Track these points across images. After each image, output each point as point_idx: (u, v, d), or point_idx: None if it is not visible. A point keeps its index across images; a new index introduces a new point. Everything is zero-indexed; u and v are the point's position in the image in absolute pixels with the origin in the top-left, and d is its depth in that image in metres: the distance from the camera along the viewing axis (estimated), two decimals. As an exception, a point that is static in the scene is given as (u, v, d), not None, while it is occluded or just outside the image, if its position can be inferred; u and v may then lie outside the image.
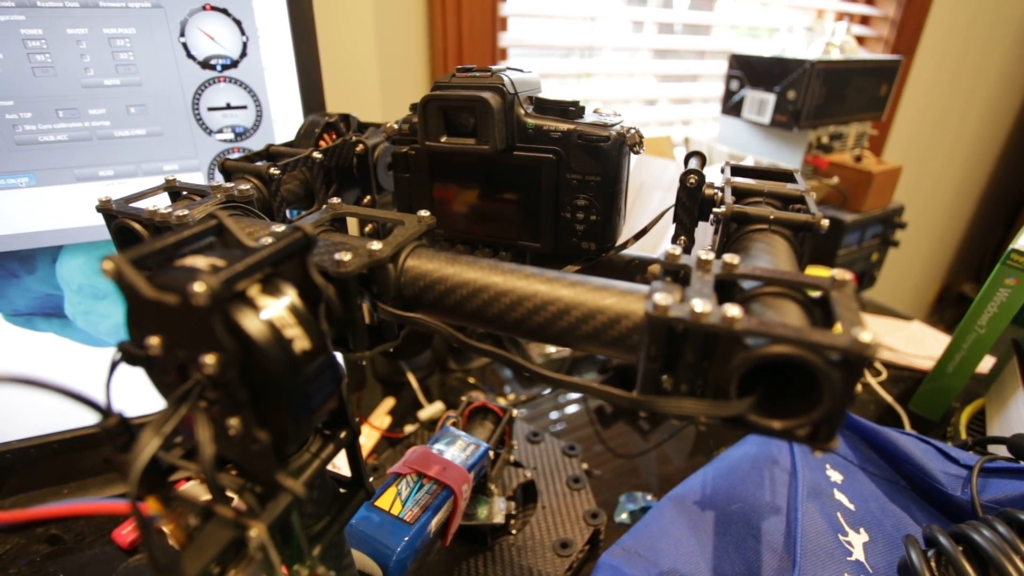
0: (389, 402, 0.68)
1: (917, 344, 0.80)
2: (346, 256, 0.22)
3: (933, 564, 0.34)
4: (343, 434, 0.24)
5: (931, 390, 0.67)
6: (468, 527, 0.46)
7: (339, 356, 0.25)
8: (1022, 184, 1.89)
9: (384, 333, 0.25)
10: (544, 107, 0.33)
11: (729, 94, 0.92)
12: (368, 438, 0.63)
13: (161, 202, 0.31)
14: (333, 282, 0.23)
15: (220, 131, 0.48)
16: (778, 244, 0.26)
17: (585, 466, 0.58)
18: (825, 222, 0.27)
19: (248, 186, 0.36)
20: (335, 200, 0.29)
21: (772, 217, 0.27)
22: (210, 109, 0.47)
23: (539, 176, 0.33)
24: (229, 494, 0.21)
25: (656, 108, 1.22)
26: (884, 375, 0.76)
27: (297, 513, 0.22)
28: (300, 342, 0.18)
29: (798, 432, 0.19)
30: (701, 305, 0.18)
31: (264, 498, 0.20)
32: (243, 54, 0.47)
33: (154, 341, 0.18)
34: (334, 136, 0.44)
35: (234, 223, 0.21)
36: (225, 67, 0.47)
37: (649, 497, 0.54)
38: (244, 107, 0.48)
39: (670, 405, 0.19)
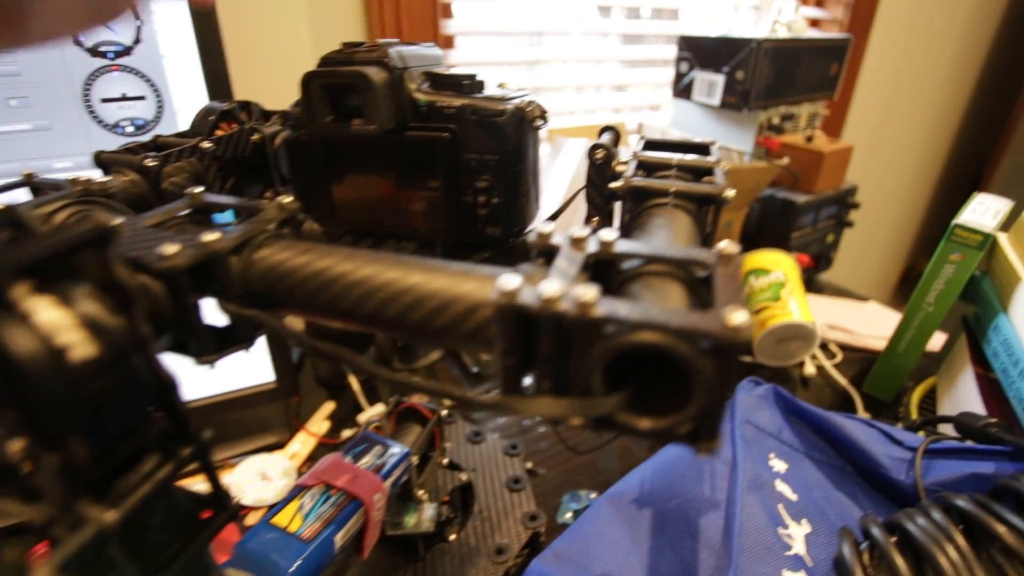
0: (329, 406, 0.65)
1: (873, 325, 0.80)
2: (172, 248, 0.19)
3: (866, 557, 0.32)
4: (186, 451, 0.21)
5: (884, 370, 0.66)
6: (398, 536, 0.44)
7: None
8: (979, 162, 1.92)
9: (235, 334, 0.22)
10: (438, 82, 0.30)
11: (679, 76, 0.90)
12: (304, 445, 0.60)
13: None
14: (161, 279, 0.20)
15: (118, 124, 0.45)
16: (679, 219, 0.24)
17: (529, 465, 0.56)
18: (729, 193, 0.24)
19: (122, 181, 0.33)
20: (195, 189, 0.26)
21: (673, 190, 0.25)
22: (104, 100, 0.44)
23: (435, 157, 0.30)
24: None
25: (609, 94, 1.20)
26: (839, 357, 0.75)
27: (119, 545, 0.19)
28: (81, 349, 0.16)
29: (678, 431, 0.17)
30: (552, 288, 0.15)
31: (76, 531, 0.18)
32: (136, 39, 0.43)
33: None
34: (234, 125, 0.41)
35: (31, 215, 0.18)
36: (118, 54, 0.43)
37: (593, 495, 0.52)
38: (142, 98, 0.45)
39: (526, 406, 0.16)
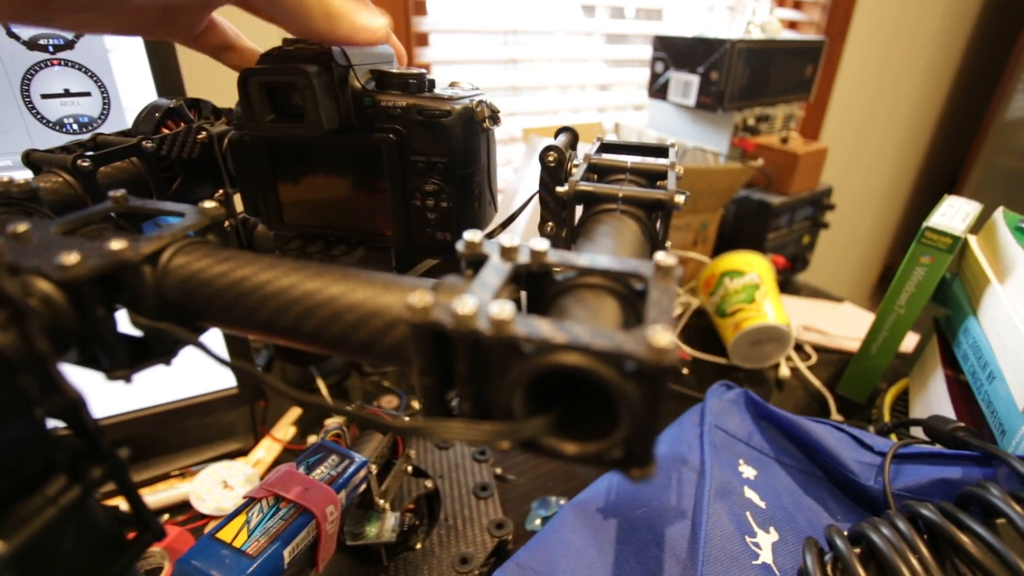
0: (295, 412, 0.63)
1: (847, 326, 0.80)
2: (72, 258, 0.18)
3: (830, 568, 0.32)
4: (96, 471, 0.19)
5: (857, 372, 0.66)
6: (359, 547, 0.43)
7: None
8: (954, 165, 1.94)
9: (153, 347, 0.21)
10: (383, 81, 0.29)
11: (655, 76, 0.90)
12: (268, 452, 0.58)
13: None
14: (65, 290, 0.18)
15: (60, 122, 0.43)
16: (625, 226, 0.23)
17: (498, 471, 0.55)
18: (679, 198, 0.23)
19: (52, 182, 0.31)
20: (117, 192, 0.24)
21: (620, 195, 0.24)
22: (44, 96, 0.42)
23: (380, 159, 0.29)
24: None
25: (592, 93, 1.19)
26: (814, 359, 0.74)
27: (16, 574, 0.17)
28: (-51, 371, 0.14)
29: (609, 456, 0.16)
30: (467, 305, 0.14)
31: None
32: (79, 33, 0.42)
33: None
34: (181, 123, 0.39)
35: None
36: (58, 47, 0.41)
37: (562, 502, 0.51)
38: (87, 94, 0.43)
39: (443, 429, 0.15)
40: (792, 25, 1.32)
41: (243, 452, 0.58)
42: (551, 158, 0.28)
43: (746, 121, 0.86)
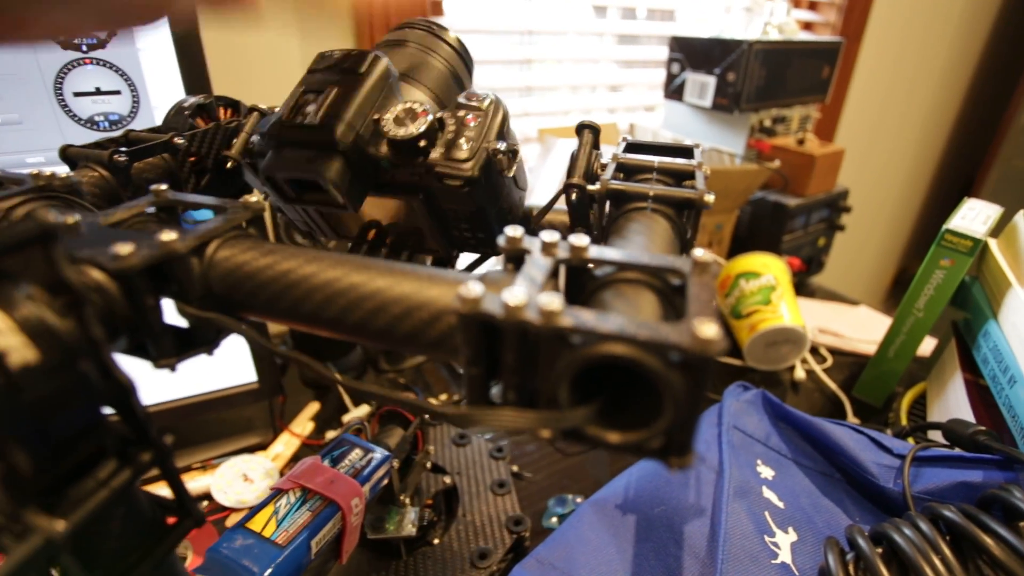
0: (313, 407, 0.64)
1: (863, 329, 0.79)
2: (126, 248, 0.18)
3: (852, 568, 0.32)
4: (146, 456, 0.20)
5: (874, 375, 0.65)
6: (380, 540, 0.43)
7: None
8: (973, 165, 1.93)
9: (197, 337, 0.21)
10: (394, 147, 0.27)
11: (671, 77, 0.90)
12: (287, 446, 0.59)
13: None
14: (117, 280, 0.19)
15: (91, 119, 0.44)
16: (657, 224, 0.23)
17: (515, 468, 0.55)
18: (709, 198, 0.24)
19: (89, 176, 0.32)
20: (160, 186, 0.25)
21: (651, 194, 0.24)
22: (77, 95, 0.43)
23: (413, 210, 0.29)
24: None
25: (604, 94, 1.19)
26: (830, 361, 0.74)
27: (72, 554, 0.18)
28: (19, 354, 0.15)
29: (649, 445, 0.16)
30: (517, 296, 0.15)
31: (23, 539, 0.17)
32: (112, 32, 0.42)
33: None
34: (210, 120, 0.40)
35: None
36: (91, 47, 0.42)
37: (579, 500, 0.51)
38: (117, 92, 0.44)
39: (491, 418, 0.16)
40: (808, 26, 1.32)
41: (262, 446, 0.59)
42: (574, 196, 0.28)
43: (762, 122, 0.86)
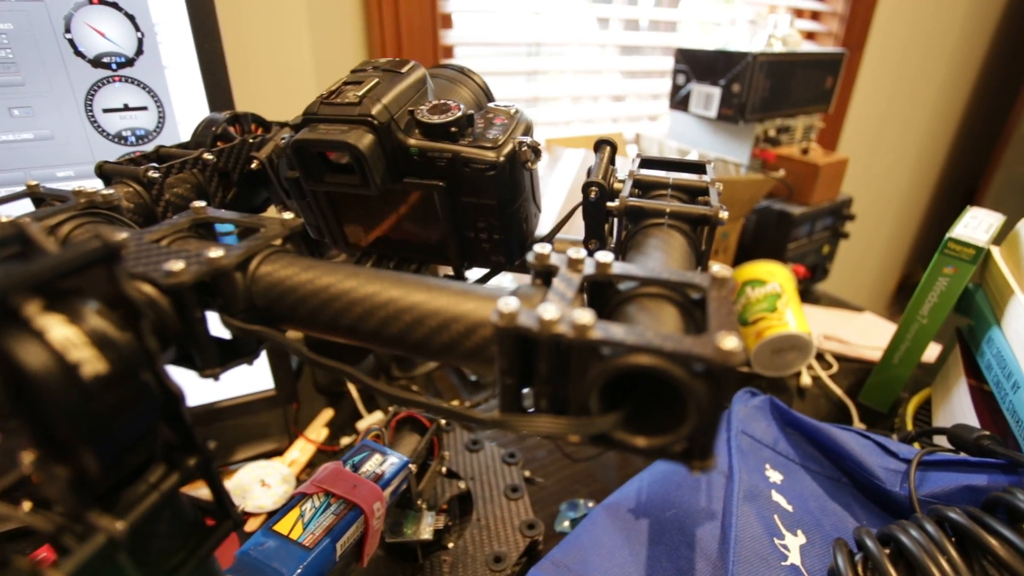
0: (327, 414, 0.65)
1: (868, 335, 0.80)
2: (178, 265, 0.20)
3: (860, 568, 0.33)
4: (191, 461, 0.21)
5: (879, 381, 0.66)
6: (397, 544, 0.44)
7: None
8: (975, 173, 1.94)
9: (239, 348, 0.22)
10: (427, 131, 0.29)
11: (676, 88, 0.91)
12: (303, 452, 0.60)
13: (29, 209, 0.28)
14: (168, 294, 0.20)
15: (119, 134, 0.45)
16: (674, 239, 0.24)
17: (527, 473, 0.56)
18: (724, 214, 0.25)
19: (124, 192, 0.33)
20: (198, 203, 0.26)
21: (668, 211, 0.25)
22: (106, 111, 0.44)
23: (433, 204, 0.30)
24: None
25: (607, 104, 1.20)
26: (835, 368, 0.75)
27: (127, 553, 0.19)
28: (92, 365, 0.16)
29: (672, 449, 0.17)
30: (551, 311, 0.16)
31: (85, 539, 0.18)
32: (139, 51, 0.44)
33: (-72, 370, 0.16)
34: (236, 136, 0.41)
35: (39, 231, 0.18)
36: (120, 65, 0.44)
37: (590, 504, 0.52)
38: (144, 108, 0.45)
39: (525, 424, 0.17)
40: (810, 36, 1.33)
41: (278, 452, 0.60)
42: (593, 193, 0.29)
43: (767, 132, 0.87)
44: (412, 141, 0.28)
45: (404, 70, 0.29)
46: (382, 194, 0.29)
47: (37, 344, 0.15)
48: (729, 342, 0.15)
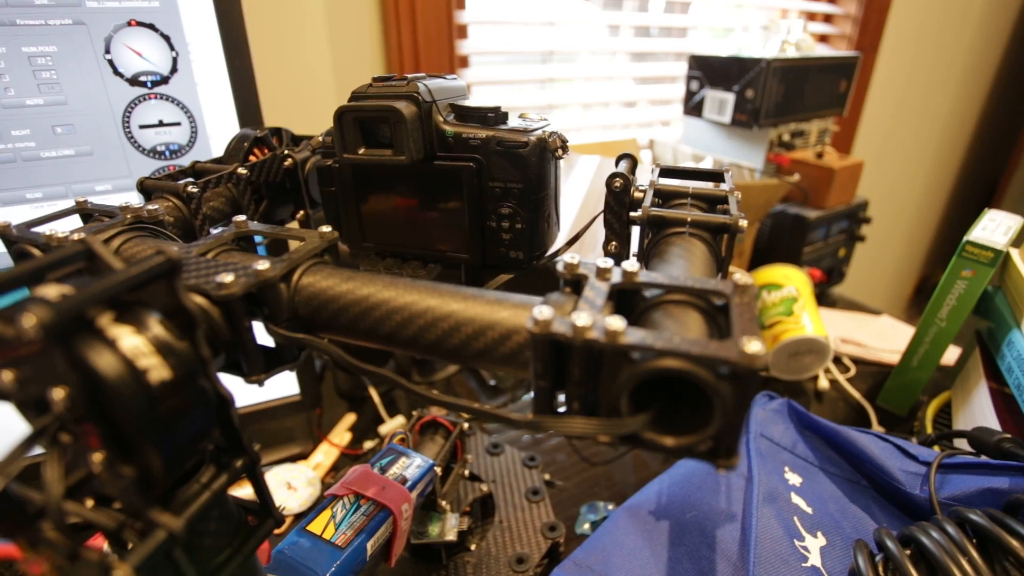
0: (350, 418, 0.67)
1: (886, 339, 0.80)
2: (228, 277, 0.21)
3: (881, 569, 0.33)
4: (239, 463, 0.22)
5: (898, 385, 0.66)
6: (421, 545, 0.45)
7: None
8: (994, 174, 1.92)
9: (283, 355, 0.24)
10: (464, 114, 0.32)
11: (690, 94, 0.92)
12: (327, 456, 0.61)
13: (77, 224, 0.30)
14: (219, 305, 0.21)
15: (154, 149, 0.47)
16: (695, 248, 0.25)
17: (547, 476, 0.57)
18: (743, 223, 0.26)
19: (164, 206, 0.35)
20: (240, 218, 0.28)
21: (689, 220, 0.26)
22: (142, 127, 0.46)
23: (460, 185, 0.32)
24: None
25: (620, 110, 1.21)
26: (853, 371, 0.75)
27: (182, 549, 0.20)
28: (157, 372, 0.17)
29: (698, 448, 0.18)
30: (584, 318, 0.17)
31: (145, 535, 0.19)
32: (173, 70, 0.46)
33: (7, 376, 0.17)
34: (265, 151, 0.43)
35: (104, 248, 0.20)
36: (155, 83, 0.45)
37: (610, 507, 0.53)
38: (177, 124, 0.47)
39: (559, 425, 0.18)
40: (823, 39, 1.33)
41: (303, 456, 0.62)
42: (617, 184, 0.30)
43: (781, 137, 0.87)
44: (449, 127, 0.31)
45: (449, 76, 0.33)
46: (409, 176, 0.32)
47: (110, 352, 0.16)
48: (753, 346, 0.16)
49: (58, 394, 0.16)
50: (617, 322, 0.17)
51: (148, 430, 0.17)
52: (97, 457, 0.18)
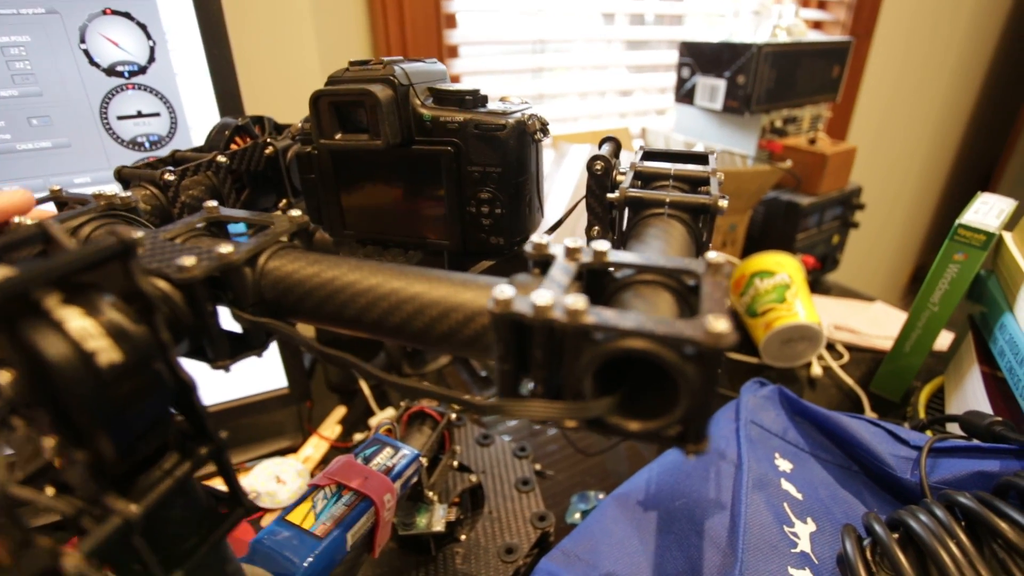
0: (340, 411, 0.66)
1: (879, 325, 0.80)
2: (190, 260, 0.20)
3: (869, 553, 0.33)
4: (203, 450, 0.22)
5: (891, 370, 0.66)
6: (410, 536, 0.45)
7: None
8: (990, 159, 1.91)
9: (250, 340, 0.23)
10: (442, 98, 0.31)
11: (681, 82, 0.91)
12: (316, 449, 0.61)
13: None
14: (181, 289, 0.21)
15: (133, 140, 0.46)
16: (673, 228, 0.25)
17: (538, 467, 0.57)
18: (723, 203, 0.25)
19: (141, 195, 0.34)
20: (211, 203, 0.27)
21: (668, 201, 0.26)
22: (120, 118, 0.45)
23: (439, 170, 0.31)
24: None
25: (614, 99, 1.20)
26: (846, 358, 0.75)
27: (141, 537, 0.20)
28: (107, 355, 0.17)
29: (666, 433, 0.18)
30: (545, 297, 0.16)
31: (102, 521, 0.19)
32: (151, 59, 0.45)
33: (-45, 363, 0.17)
34: (248, 139, 0.42)
35: (60, 230, 0.19)
36: (132, 73, 0.45)
37: (601, 496, 0.53)
38: (156, 114, 0.46)
39: (520, 409, 0.17)
40: (817, 25, 1.32)
41: (292, 449, 0.61)
42: (598, 167, 0.30)
43: (773, 123, 0.87)
44: (427, 111, 0.31)
45: (428, 60, 0.33)
46: (388, 162, 0.32)
47: (56, 334, 0.16)
48: (719, 324, 0.15)
49: (4, 378, 0.16)
50: (579, 301, 0.16)
51: (97, 414, 0.17)
52: (48, 442, 0.17)
